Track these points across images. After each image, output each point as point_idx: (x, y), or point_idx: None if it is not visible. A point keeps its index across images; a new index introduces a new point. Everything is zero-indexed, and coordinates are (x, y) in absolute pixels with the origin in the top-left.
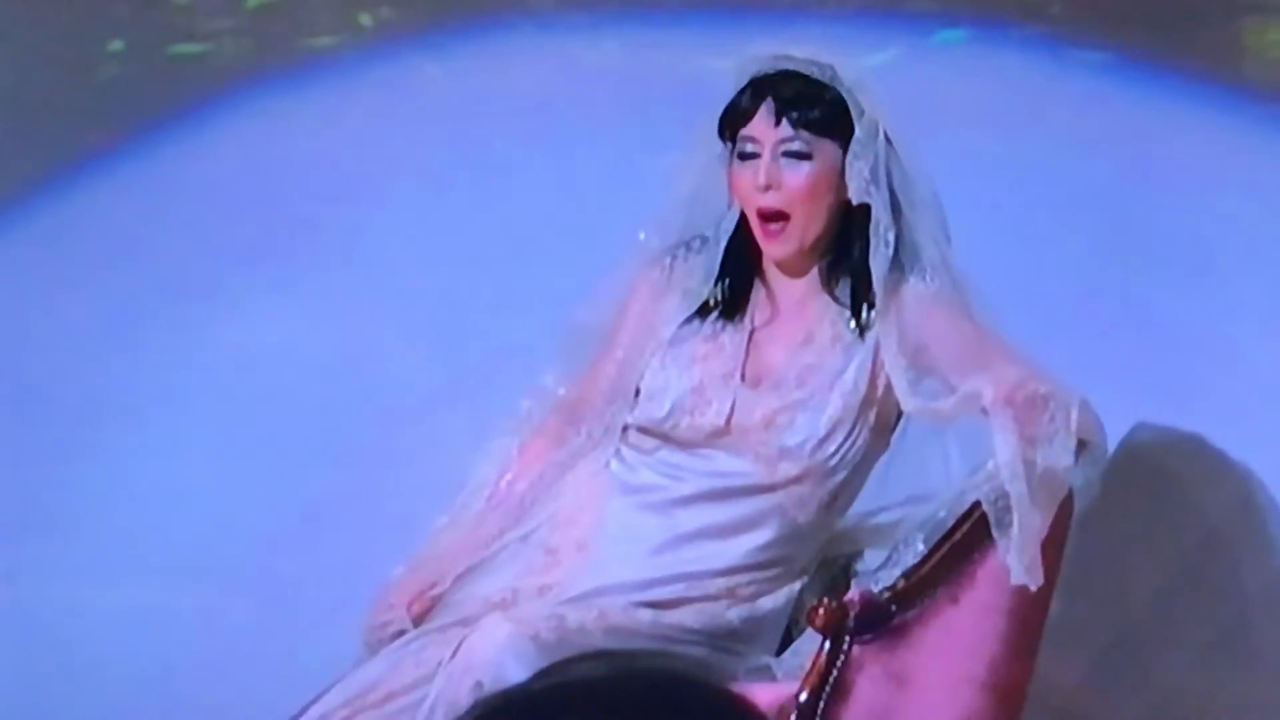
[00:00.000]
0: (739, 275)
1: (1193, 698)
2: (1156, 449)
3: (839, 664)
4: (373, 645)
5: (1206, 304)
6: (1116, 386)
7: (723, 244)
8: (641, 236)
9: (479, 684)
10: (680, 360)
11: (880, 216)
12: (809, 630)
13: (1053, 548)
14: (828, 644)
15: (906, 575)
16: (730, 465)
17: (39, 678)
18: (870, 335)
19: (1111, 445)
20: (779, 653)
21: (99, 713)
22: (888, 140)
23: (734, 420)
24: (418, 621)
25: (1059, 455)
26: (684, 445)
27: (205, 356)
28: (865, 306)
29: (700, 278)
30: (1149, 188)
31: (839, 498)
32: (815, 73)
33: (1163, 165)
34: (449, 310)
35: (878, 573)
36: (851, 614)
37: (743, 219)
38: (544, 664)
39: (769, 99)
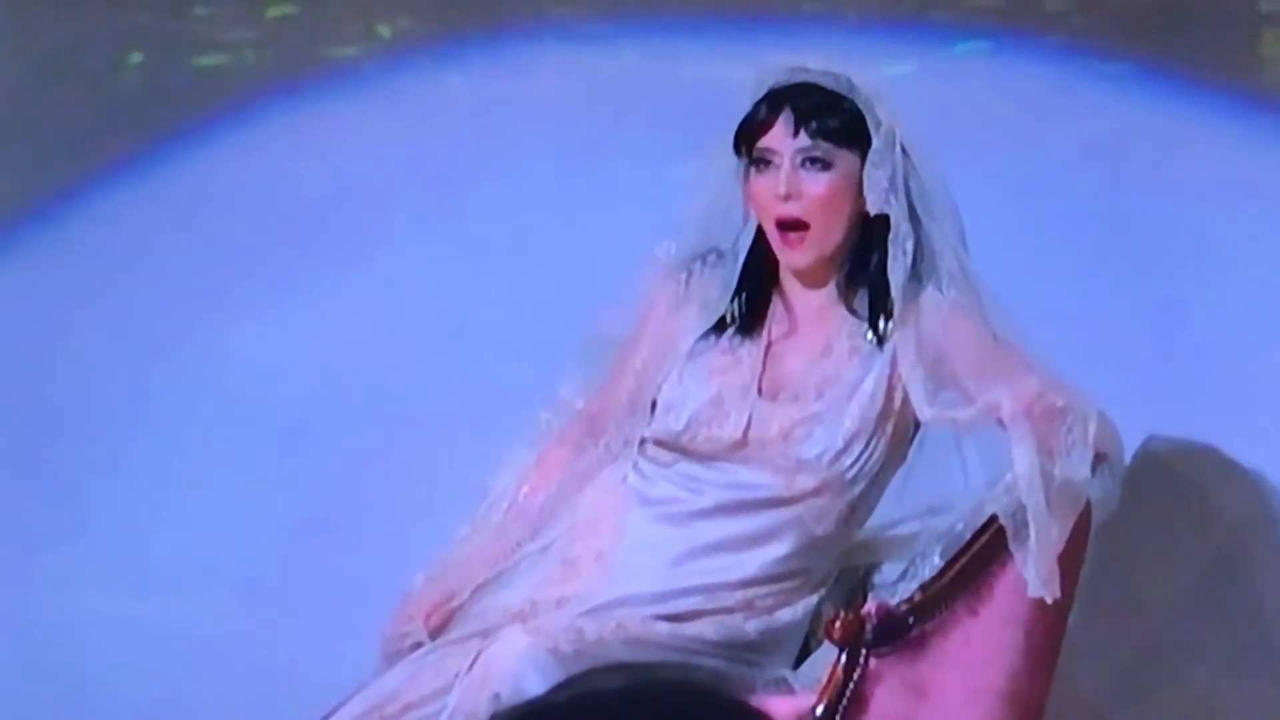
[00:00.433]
0: (756, 290)
1: (1217, 709)
2: (1172, 460)
3: (856, 676)
4: (391, 656)
5: (1226, 314)
6: (1133, 397)
7: (740, 259)
8: (658, 250)
9: (497, 695)
10: (698, 373)
11: (899, 226)
12: (826, 642)
13: (1071, 560)
14: (845, 656)
15: (924, 587)
16: (748, 478)
17: (49, 688)
18: (888, 346)
19: (1127, 456)
20: (797, 665)
21: None
22: (905, 151)
23: (751, 433)
24: (436, 633)
25: (1077, 467)
26: (702, 458)
27: (221, 367)
28: (883, 317)
29: (718, 292)
30: (1168, 198)
31: (857, 510)
32: (832, 84)
33: (1182, 176)
34: (464, 320)
35: (895, 585)
36: (869, 626)
37: (759, 233)
38: (562, 676)
39: (787, 109)
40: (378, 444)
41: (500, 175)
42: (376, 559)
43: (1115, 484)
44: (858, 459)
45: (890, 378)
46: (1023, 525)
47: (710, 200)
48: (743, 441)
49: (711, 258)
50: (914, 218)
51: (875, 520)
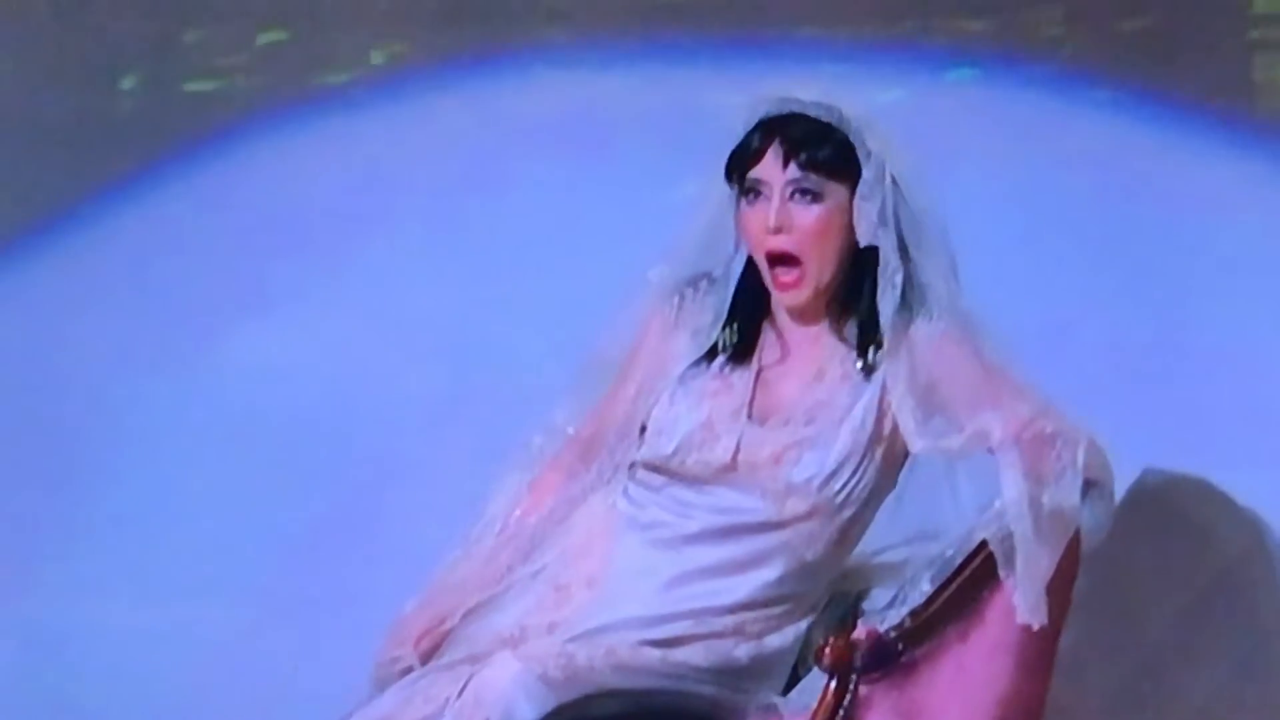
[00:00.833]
0: (748, 317)
1: None
2: (1166, 492)
3: (846, 702)
4: (382, 681)
5: (1221, 340)
6: (1127, 421)
7: (732, 286)
8: (651, 275)
9: None
10: (689, 397)
11: (888, 258)
12: (816, 668)
13: (1061, 586)
14: (835, 682)
15: (914, 613)
16: (738, 502)
17: (51, 697)
18: (877, 375)
19: (1122, 483)
20: (786, 691)
21: None
22: (895, 182)
23: (741, 456)
24: (427, 657)
25: (1066, 494)
26: (691, 482)
27: (218, 382)
28: (872, 347)
29: (709, 319)
30: (1162, 224)
31: (847, 535)
32: (822, 114)
33: (1175, 202)
34: (460, 340)
35: (885, 611)
36: (859, 652)
37: (751, 260)
38: (553, 701)
39: (777, 141)
40: (377, 455)
41: (493, 200)
42: (378, 568)
43: (1105, 511)
44: (847, 483)
45: (880, 404)
46: (1012, 551)
47: (703, 225)
48: (732, 465)
49: (704, 283)
50: (904, 249)
51: (865, 546)
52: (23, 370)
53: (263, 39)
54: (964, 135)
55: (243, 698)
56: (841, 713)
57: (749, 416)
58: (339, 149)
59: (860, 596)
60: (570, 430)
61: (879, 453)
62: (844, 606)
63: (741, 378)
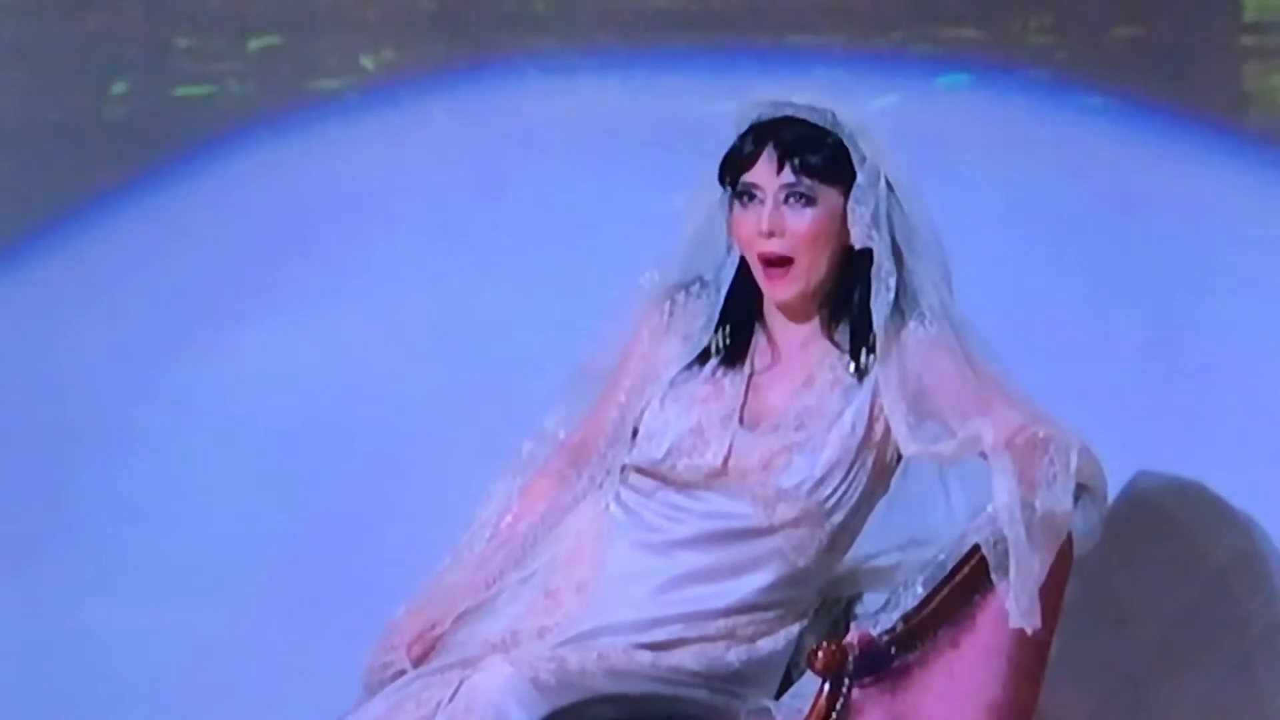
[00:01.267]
0: (740, 321)
1: None
2: (1158, 496)
3: (839, 706)
4: (373, 686)
5: (1212, 347)
6: (1118, 427)
7: (724, 290)
8: (643, 280)
9: None
10: (679, 402)
11: (882, 261)
12: (809, 673)
13: (1053, 591)
14: (827, 686)
15: (906, 618)
16: (728, 507)
17: (53, 698)
18: (869, 379)
19: (1114, 488)
20: (779, 695)
21: None
22: (889, 185)
23: (731, 462)
24: (418, 662)
25: (1058, 499)
26: (682, 486)
27: (212, 389)
28: (864, 350)
29: (701, 323)
30: (1153, 232)
31: (838, 540)
32: (816, 118)
33: (1167, 209)
34: (452, 344)
35: (878, 615)
36: (851, 656)
37: (743, 264)
38: (544, 706)
39: (770, 145)
40: (375, 459)
41: (487, 206)
42: (378, 571)
43: (1097, 516)
44: (836, 489)
45: (871, 409)
46: (1005, 556)
47: (695, 230)
48: (723, 470)
49: (695, 287)
50: (897, 253)
51: (858, 550)
52: (18, 373)
53: (254, 45)
54: (956, 141)
55: (242, 700)
56: (834, 717)
57: (740, 422)
58: (331, 155)
59: (853, 601)
60: (561, 435)
61: (870, 458)
62: (836, 611)
63: (733, 382)
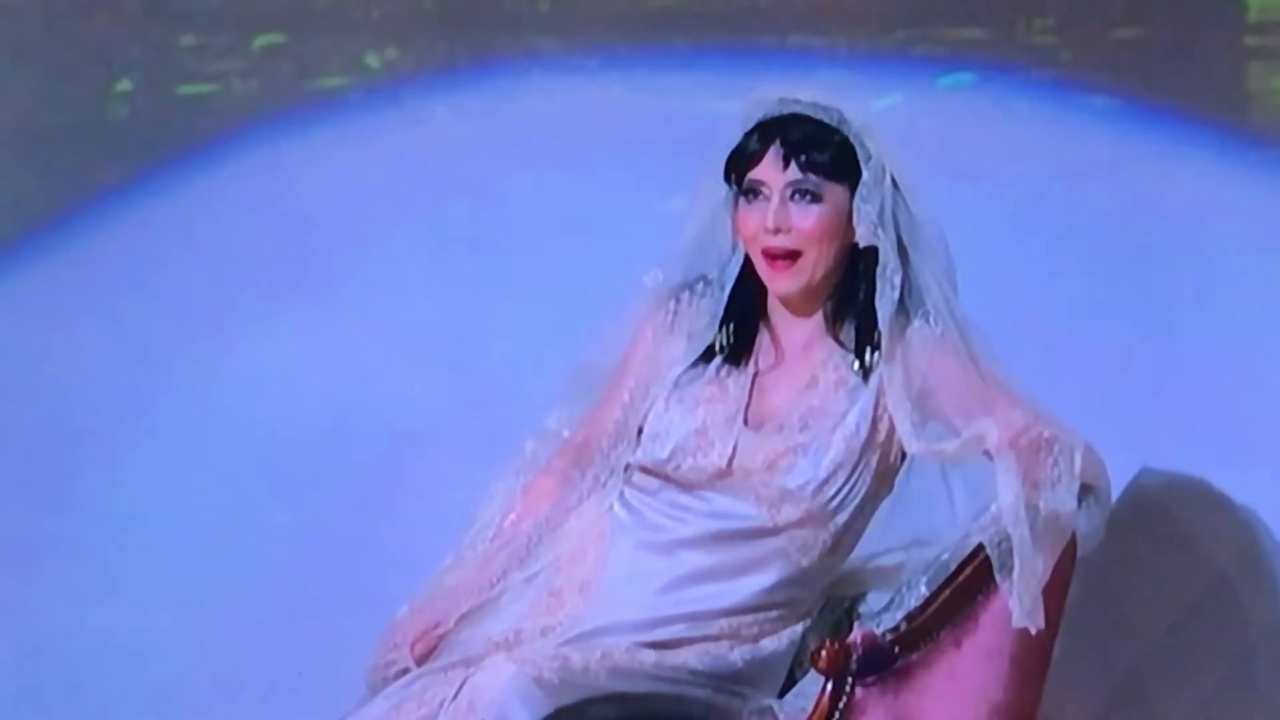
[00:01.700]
0: (744, 320)
1: None
2: (1162, 494)
3: (841, 706)
4: (376, 685)
5: (1214, 348)
6: (1122, 427)
7: (728, 288)
8: (647, 280)
9: None
10: (684, 402)
11: (887, 260)
12: (812, 672)
13: (1056, 591)
14: (830, 686)
15: (909, 618)
16: (732, 508)
17: (52, 698)
18: (873, 378)
19: (1117, 488)
20: (782, 694)
21: None
22: (895, 184)
23: (736, 462)
24: (421, 661)
25: (1062, 499)
26: (686, 486)
27: (214, 389)
28: (869, 349)
29: (705, 321)
30: (1156, 232)
31: (842, 541)
32: (823, 116)
33: (1169, 210)
34: (455, 344)
35: (881, 615)
36: (854, 656)
37: (747, 263)
38: (547, 705)
39: (777, 142)
40: (375, 461)
41: (488, 204)
42: (378, 572)
43: (1101, 516)
44: (840, 489)
45: (875, 409)
46: (1008, 556)
47: (699, 229)
48: (727, 471)
49: (700, 286)
50: (902, 251)
51: (861, 550)
52: (19, 373)
53: (258, 43)
54: (958, 142)
55: (243, 700)
56: (837, 716)
57: (744, 422)
58: (334, 153)
59: (856, 601)
60: (564, 435)
61: (874, 458)
62: (839, 610)
63: (737, 383)
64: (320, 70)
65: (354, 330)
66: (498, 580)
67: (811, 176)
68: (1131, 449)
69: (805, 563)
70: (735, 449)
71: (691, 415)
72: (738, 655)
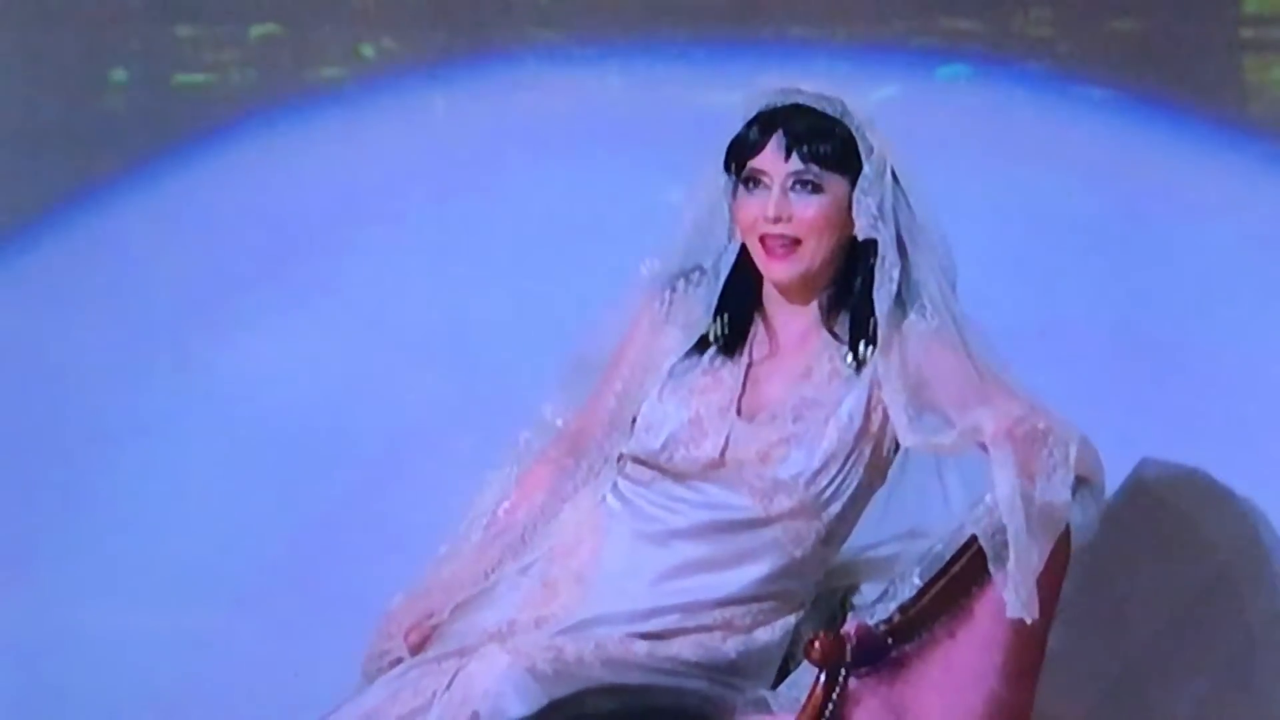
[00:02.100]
0: (739, 310)
1: None
2: (1162, 484)
3: (835, 697)
4: (370, 674)
5: (1210, 338)
6: (1120, 420)
7: (723, 278)
8: (643, 269)
9: (475, 715)
10: (678, 392)
11: (886, 253)
12: (806, 663)
13: (1050, 583)
14: (824, 677)
15: (903, 609)
16: (725, 498)
17: (52, 698)
18: (867, 371)
19: (1118, 480)
20: (776, 685)
21: None
22: (895, 178)
23: (729, 453)
24: (416, 651)
25: (1057, 491)
26: (679, 477)
27: (210, 381)
28: (864, 342)
29: (700, 312)
30: (1152, 223)
31: (835, 531)
32: (825, 108)
33: (1166, 201)
34: (452, 335)
35: (875, 606)
36: (848, 647)
37: (744, 253)
38: (541, 695)
39: (779, 132)
40: (372, 458)
41: (486, 194)
42: (373, 571)
43: (1096, 508)
44: (833, 480)
45: (869, 401)
46: (1002, 547)
47: (696, 219)
48: (720, 461)
49: (696, 276)
50: (900, 245)
51: (855, 541)
52: (14, 367)
53: (255, 33)
54: (955, 133)
55: (242, 700)
56: (830, 707)
57: (737, 413)
58: (330, 143)
59: (850, 592)
60: (559, 424)
61: (867, 450)
62: (833, 602)
63: (731, 373)
64: (317, 60)
65: (350, 320)
66: (492, 571)
67: (813, 167)
68: (1127, 440)
69: (798, 553)
70: (728, 440)
71: (685, 406)
72: (731, 646)
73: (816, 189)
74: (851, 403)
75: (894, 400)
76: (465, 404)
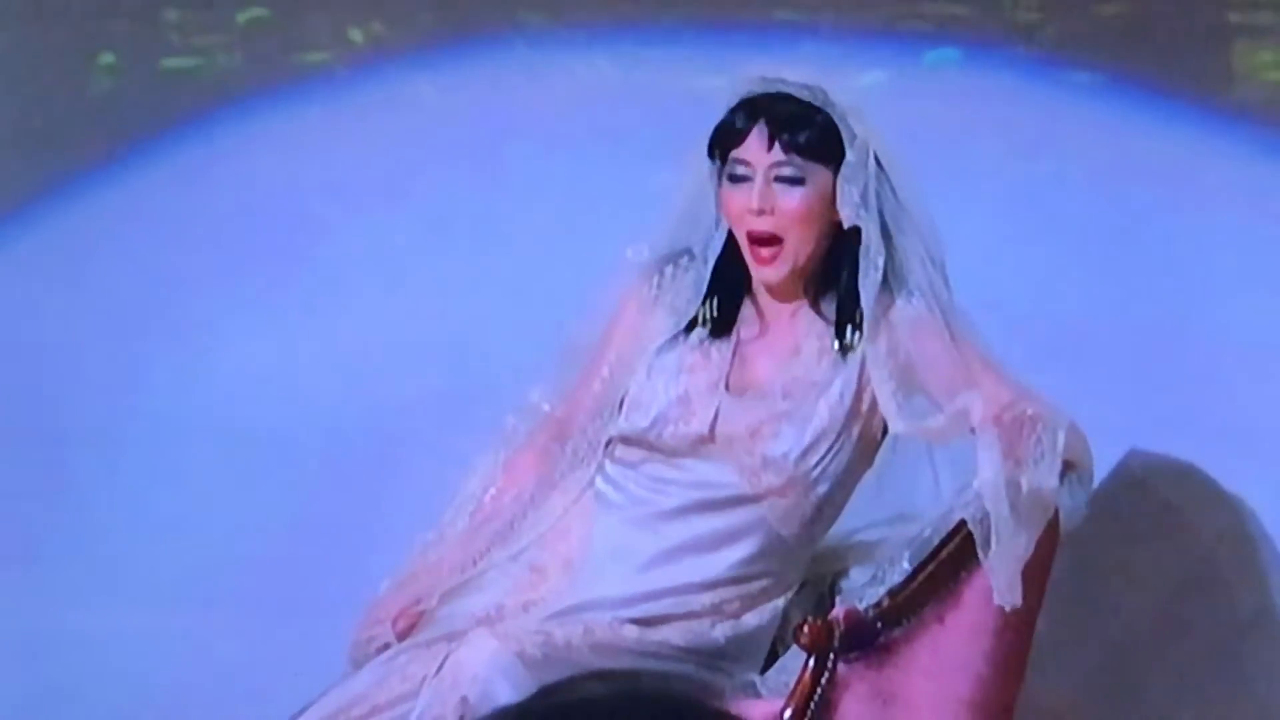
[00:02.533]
0: (727, 293)
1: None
2: (1150, 476)
3: (824, 682)
4: (358, 660)
5: (1199, 325)
6: (1110, 410)
7: (711, 263)
8: (629, 254)
9: (464, 700)
10: (666, 370)
11: (870, 240)
12: (795, 648)
13: (1037, 569)
14: (813, 661)
15: (892, 593)
16: (713, 476)
17: (51, 698)
18: (854, 355)
19: (1106, 470)
20: (764, 670)
21: None
22: (879, 164)
23: (718, 429)
24: (403, 637)
25: (1044, 476)
26: (668, 455)
27: (197, 374)
28: (850, 327)
29: (688, 296)
30: (1140, 209)
31: (822, 512)
32: (808, 96)
33: (1153, 186)
34: (440, 321)
35: (864, 591)
36: (837, 632)
37: (731, 237)
38: (530, 680)
39: (762, 121)
40: (362, 453)
41: (474, 180)
42: (365, 570)
43: (1084, 494)
44: (822, 459)
45: (858, 382)
46: (989, 532)
47: (684, 203)
48: (709, 438)
49: (684, 260)
50: (885, 231)
51: (844, 526)
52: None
53: (242, 17)
54: (943, 118)
55: (241, 700)
56: (819, 692)
57: (726, 389)
58: (318, 128)
59: (838, 576)
60: (546, 409)
61: (856, 430)
62: (822, 586)
63: (719, 351)
64: (304, 44)
65: (336, 305)
66: (480, 556)
67: (795, 158)
68: (1118, 428)
69: (785, 533)
70: (717, 415)
71: (673, 383)
72: (720, 632)
73: (799, 181)
74: (842, 381)
75: (882, 386)
76: (454, 393)
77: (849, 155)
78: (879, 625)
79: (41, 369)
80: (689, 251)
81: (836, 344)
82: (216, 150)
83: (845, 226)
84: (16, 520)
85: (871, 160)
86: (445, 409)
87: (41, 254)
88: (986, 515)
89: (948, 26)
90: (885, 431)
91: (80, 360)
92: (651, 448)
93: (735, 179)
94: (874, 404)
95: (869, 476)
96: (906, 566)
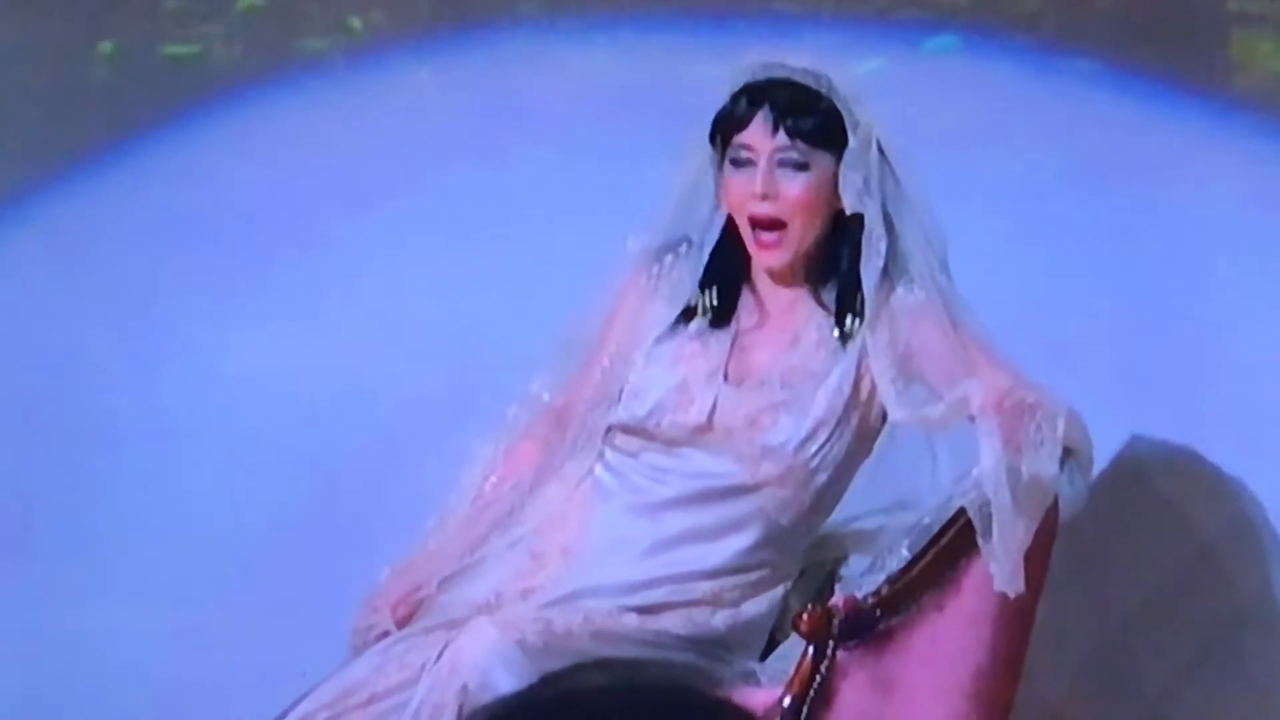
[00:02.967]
0: (726, 281)
1: (1180, 710)
2: (1151, 463)
3: (823, 670)
4: (357, 648)
5: (1198, 314)
6: (1111, 399)
7: (708, 250)
8: (630, 243)
9: (464, 687)
10: (665, 359)
11: (873, 227)
12: (794, 635)
13: (1037, 556)
14: (812, 649)
15: (891, 581)
16: (712, 465)
17: (50, 698)
18: (854, 343)
19: (1107, 458)
20: (764, 658)
21: None
22: (881, 151)
23: (716, 418)
24: (402, 625)
25: (1044, 464)
26: (667, 444)
27: (199, 363)
28: (850, 315)
29: (687, 285)
30: (1140, 198)
31: (821, 501)
32: (811, 82)
33: (1153, 175)
34: (439, 312)
35: (863, 579)
36: (836, 620)
37: (730, 225)
38: (530, 667)
39: (765, 107)
40: (362, 447)
41: (470, 169)
42: (379, 566)
43: (1083, 481)
44: (821, 448)
45: (857, 371)
46: (990, 520)
47: (682, 190)
48: (708, 426)
49: (683, 249)
50: (887, 219)
51: (843, 513)
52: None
53: (241, 5)
54: (942, 105)
55: (240, 700)
56: (818, 680)
57: (725, 379)
58: (316, 116)
59: (837, 564)
60: (546, 399)
61: (855, 419)
62: (821, 574)
63: (718, 340)
64: (304, 32)
65: (334, 294)
66: (479, 544)
67: (799, 144)
68: (1118, 416)
69: (784, 521)
70: (715, 404)
71: (672, 372)
72: (720, 620)
73: (803, 167)
74: (840, 370)
75: (882, 374)
76: (454, 385)
77: (852, 142)
78: (878, 613)
79: (41, 361)
80: (688, 239)
81: (837, 332)
82: (216, 137)
83: (848, 213)
84: (16, 520)
85: (874, 147)
86: (447, 401)
87: (45, 241)
88: (986, 503)
89: (946, 14)
90: (884, 420)
91: (80, 352)
92: (650, 437)
93: (738, 163)
94: (873, 392)
95: (868, 464)
96: (906, 554)
